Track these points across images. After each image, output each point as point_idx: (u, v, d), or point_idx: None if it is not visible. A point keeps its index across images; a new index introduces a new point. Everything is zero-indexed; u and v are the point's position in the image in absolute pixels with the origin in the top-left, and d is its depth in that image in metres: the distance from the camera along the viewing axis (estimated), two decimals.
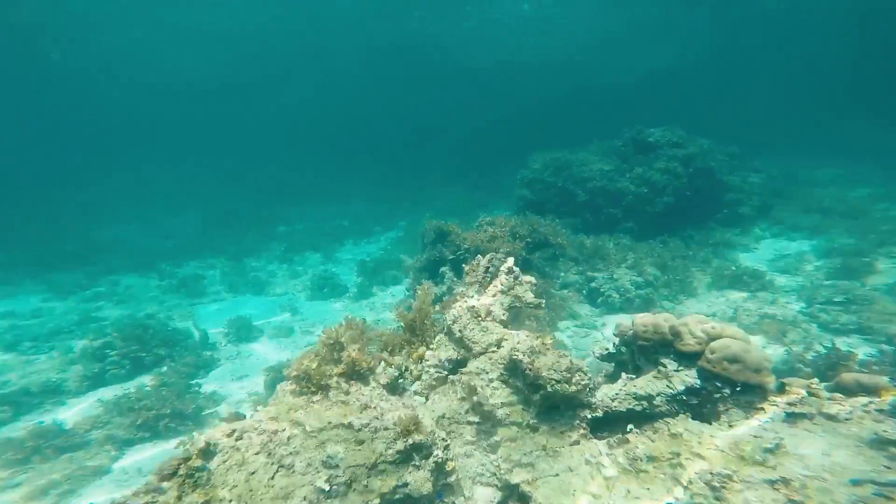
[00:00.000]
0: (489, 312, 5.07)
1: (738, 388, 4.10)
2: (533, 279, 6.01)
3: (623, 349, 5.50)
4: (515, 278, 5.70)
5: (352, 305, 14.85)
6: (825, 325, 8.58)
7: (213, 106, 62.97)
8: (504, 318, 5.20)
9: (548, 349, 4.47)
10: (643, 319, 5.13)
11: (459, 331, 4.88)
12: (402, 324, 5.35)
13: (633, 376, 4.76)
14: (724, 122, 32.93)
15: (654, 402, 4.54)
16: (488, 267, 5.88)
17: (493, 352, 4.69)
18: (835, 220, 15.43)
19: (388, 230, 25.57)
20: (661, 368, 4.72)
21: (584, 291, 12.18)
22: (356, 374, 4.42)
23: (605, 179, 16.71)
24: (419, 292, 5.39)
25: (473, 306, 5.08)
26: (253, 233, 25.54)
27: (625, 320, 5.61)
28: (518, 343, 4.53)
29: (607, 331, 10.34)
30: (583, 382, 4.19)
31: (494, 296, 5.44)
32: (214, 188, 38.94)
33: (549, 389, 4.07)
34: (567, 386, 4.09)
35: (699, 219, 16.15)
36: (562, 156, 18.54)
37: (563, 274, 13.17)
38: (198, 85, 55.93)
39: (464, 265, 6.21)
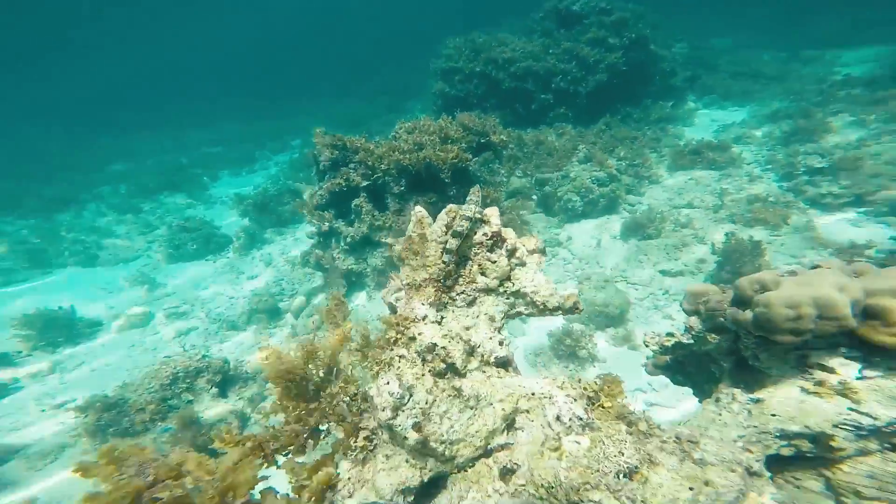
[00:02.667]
0: (472, 351, 2.03)
1: None
2: (537, 240, 2.96)
3: (711, 336, 2.90)
4: (511, 252, 2.61)
5: (238, 262, 10.56)
6: (815, 201, 7.17)
7: None
8: (503, 354, 2.24)
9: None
10: (770, 284, 2.48)
11: (416, 423, 1.70)
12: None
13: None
14: None
15: (833, 446, 2.12)
16: (448, 237, 2.68)
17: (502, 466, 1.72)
18: (762, 84, 14.32)
19: (277, 153, 19.60)
20: (822, 375, 2.25)
21: (534, 197, 9.57)
22: None
23: (530, 59, 13.12)
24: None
25: (434, 344, 1.96)
26: (66, 176, 17.59)
27: (701, 286, 2.92)
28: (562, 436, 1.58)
29: (575, 245, 8.06)
30: None
31: (475, 304, 2.36)
32: None
33: None
34: None
35: (634, 95, 13.91)
36: (476, 37, 14.27)
37: (505, 179, 10.27)
38: None
39: (386, 221, 2.86)
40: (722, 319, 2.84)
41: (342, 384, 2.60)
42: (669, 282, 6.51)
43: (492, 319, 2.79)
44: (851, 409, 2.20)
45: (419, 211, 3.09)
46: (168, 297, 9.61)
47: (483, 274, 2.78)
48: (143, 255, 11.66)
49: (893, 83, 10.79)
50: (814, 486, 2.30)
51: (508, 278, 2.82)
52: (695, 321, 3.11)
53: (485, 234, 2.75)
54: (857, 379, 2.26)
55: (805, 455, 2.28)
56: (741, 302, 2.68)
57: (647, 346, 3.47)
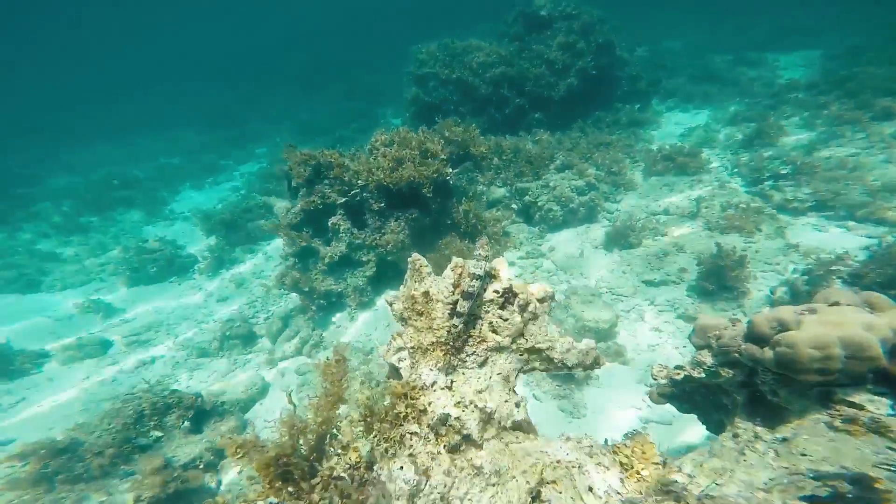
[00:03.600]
0: (488, 419, 2.32)
1: None
2: (545, 288, 2.75)
3: (725, 371, 2.81)
4: (523, 307, 2.46)
5: (207, 283, 9.79)
6: (782, 207, 7.46)
7: None
8: (520, 417, 2.40)
9: None
10: (792, 324, 2.40)
11: None
12: None
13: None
14: None
15: (873, 488, 2.02)
16: (458, 297, 2.52)
17: None
18: (718, 87, 14.91)
19: (242, 162, 18.47)
20: (849, 411, 2.17)
21: (515, 206, 9.45)
22: None
23: (504, 64, 12.99)
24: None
25: (447, 415, 1.91)
26: None
27: (711, 319, 2.82)
28: None
29: (558, 256, 7.99)
30: None
31: (487, 364, 2.42)
32: None
33: None
34: None
35: (604, 99, 14.13)
36: (450, 42, 13.98)
37: (485, 188, 10.10)
38: None
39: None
40: (737, 355, 2.76)
41: (341, 451, 2.30)
42: (653, 292, 6.55)
43: (506, 380, 2.55)
44: (890, 448, 2.15)
45: (417, 259, 2.80)
46: (127, 323, 8.76)
47: (495, 332, 2.53)
48: (95, 279, 10.60)
49: (829, 88, 11.48)
50: None
51: (521, 334, 2.61)
52: (706, 355, 3.03)
53: (496, 292, 2.50)
54: (890, 416, 2.22)
55: (846, 497, 2.21)
56: (757, 339, 2.58)
57: (654, 379, 3.37)
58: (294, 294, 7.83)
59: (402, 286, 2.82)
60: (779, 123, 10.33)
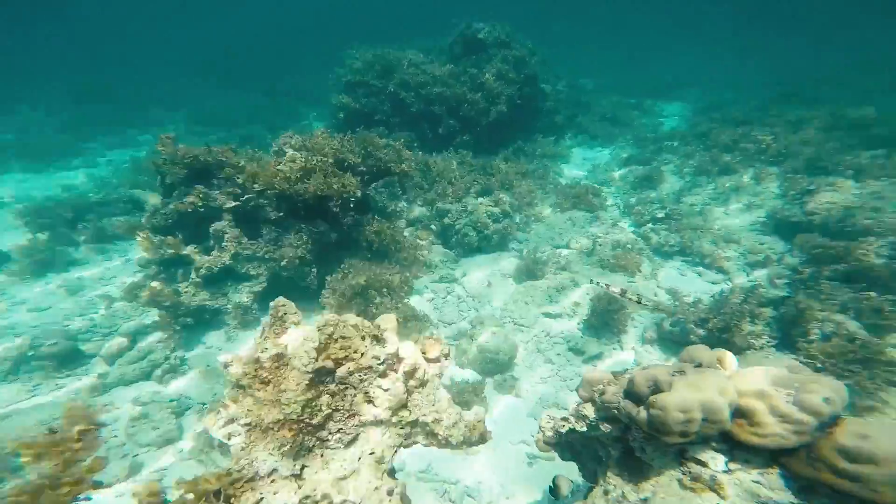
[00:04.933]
0: None
1: None
2: (440, 345, 2.48)
3: (604, 425, 2.82)
4: (409, 374, 2.17)
5: (21, 288, 7.65)
6: (658, 249, 8.44)
7: None
8: None
9: None
10: (654, 383, 2.46)
11: None
12: None
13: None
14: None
15: None
16: (322, 362, 2.01)
17: None
18: (619, 128, 16.68)
19: (114, 147, 15.36)
20: (696, 469, 2.28)
21: (434, 227, 9.27)
22: None
23: (441, 85, 12.94)
24: None
25: None
26: None
27: (597, 373, 2.85)
28: None
29: (469, 283, 7.98)
30: None
31: (357, 442, 1.97)
32: None
33: None
34: None
35: (526, 129, 14.89)
36: (387, 53, 13.47)
37: (406, 205, 9.76)
38: None
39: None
40: (615, 412, 2.82)
41: None
42: (550, 323, 6.84)
43: (380, 461, 2.16)
44: None
45: (281, 306, 2.30)
46: None
47: (371, 404, 2.15)
48: None
49: (694, 140, 13.14)
50: None
51: (405, 405, 2.27)
52: (590, 409, 3.06)
53: (375, 358, 2.13)
54: (724, 472, 2.40)
55: None
56: (634, 396, 2.65)
57: (541, 430, 3.34)
58: (154, 310, 6.51)
59: (258, 336, 2.29)
60: (660, 169, 11.81)
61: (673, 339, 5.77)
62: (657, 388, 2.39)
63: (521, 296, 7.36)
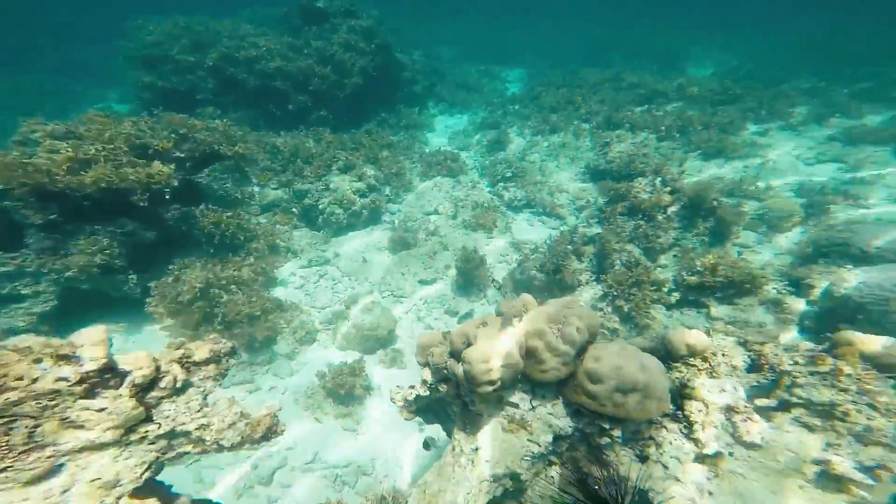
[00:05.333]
0: None
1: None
2: (213, 344, 2.17)
3: (441, 386, 3.02)
4: (145, 385, 1.90)
5: None
6: (510, 204, 9.37)
7: None
8: None
9: None
10: (460, 339, 2.71)
11: None
12: None
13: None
14: None
15: (521, 478, 2.54)
16: None
17: None
18: (473, 95, 17.40)
19: None
20: (511, 411, 2.66)
21: (294, 210, 8.41)
22: None
23: (281, 59, 11.20)
24: None
25: None
26: None
27: (428, 337, 3.01)
28: None
29: (343, 262, 7.62)
30: None
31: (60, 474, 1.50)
32: None
33: None
34: None
35: (388, 100, 14.31)
36: (196, 24, 10.92)
37: (258, 189, 8.56)
38: None
39: None
40: (445, 371, 3.03)
41: None
42: (427, 290, 7.10)
43: (110, 486, 1.83)
44: (529, 440, 2.73)
45: None
46: None
47: (81, 428, 1.81)
48: None
49: (529, 103, 14.19)
50: None
51: (150, 419, 1.98)
52: (427, 373, 3.23)
53: (63, 380, 1.73)
54: (530, 410, 2.81)
55: (508, 490, 2.71)
56: (456, 354, 2.87)
57: (393, 402, 3.43)
58: None
59: None
60: (506, 131, 12.87)
61: (522, 286, 6.58)
62: (469, 344, 2.60)
63: (398, 267, 7.40)
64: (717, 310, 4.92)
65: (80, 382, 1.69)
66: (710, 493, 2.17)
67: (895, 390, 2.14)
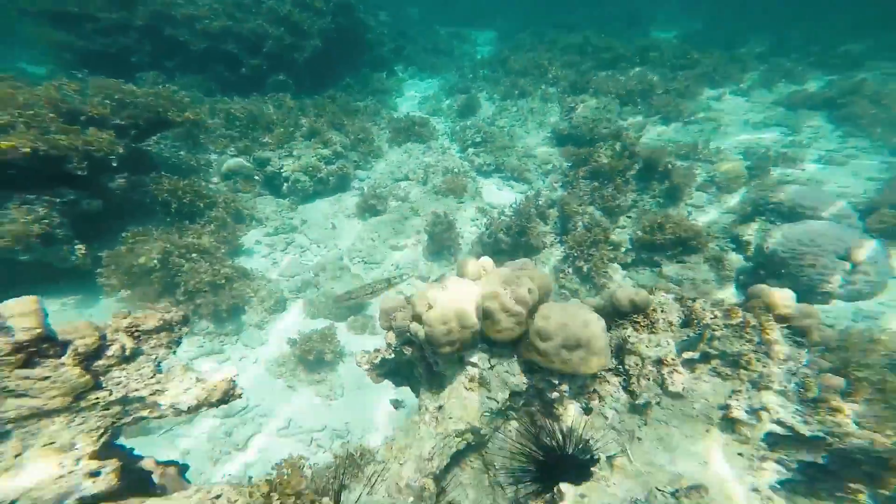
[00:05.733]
0: None
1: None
2: (163, 313, 2.01)
3: (406, 349, 2.99)
4: (89, 354, 1.70)
5: None
6: (479, 169, 9.17)
7: None
8: None
9: None
10: (421, 304, 2.66)
11: None
12: None
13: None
14: None
15: (481, 433, 2.62)
16: None
17: None
18: (443, 59, 16.46)
19: None
20: (472, 371, 2.69)
21: (257, 178, 7.85)
22: None
23: (226, 18, 9.89)
24: None
25: None
26: None
27: (390, 301, 2.94)
28: None
29: (311, 229, 7.28)
30: None
31: None
32: None
33: None
34: None
35: (352, 64, 13.25)
36: None
37: (215, 157, 7.88)
38: None
39: None
40: (408, 334, 3.01)
41: None
42: (398, 256, 6.98)
43: (63, 449, 1.75)
44: (489, 398, 2.80)
45: None
46: None
47: (24, 396, 1.69)
48: None
49: (500, 67, 13.65)
50: (477, 465, 2.87)
51: (100, 387, 1.86)
52: (391, 336, 3.20)
53: None
54: (489, 369, 2.86)
55: (470, 444, 2.81)
56: (417, 318, 2.85)
57: (359, 365, 3.41)
58: None
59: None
60: (476, 96, 12.37)
61: (490, 250, 6.57)
62: (431, 306, 2.55)
63: (368, 233, 7.20)
64: (669, 268, 5.15)
65: (14, 352, 1.55)
66: (639, 440, 2.30)
67: (788, 339, 2.30)
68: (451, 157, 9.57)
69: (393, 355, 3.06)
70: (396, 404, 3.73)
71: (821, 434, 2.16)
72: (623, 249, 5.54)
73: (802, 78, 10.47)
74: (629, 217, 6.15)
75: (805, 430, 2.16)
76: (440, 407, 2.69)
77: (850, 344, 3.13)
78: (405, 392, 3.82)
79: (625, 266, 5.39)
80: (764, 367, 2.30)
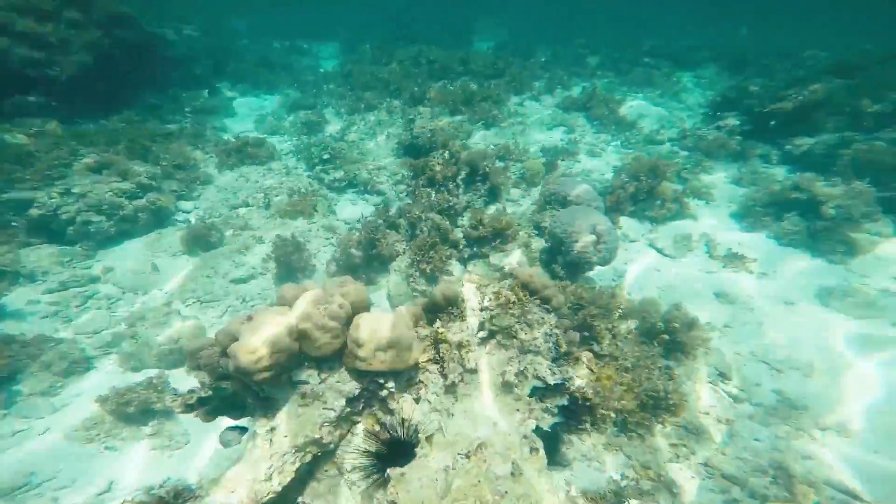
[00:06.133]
0: None
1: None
2: None
3: (224, 383, 2.80)
4: None
5: None
6: (331, 186, 8.92)
7: None
8: None
9: None
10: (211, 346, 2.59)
11: None
12: None
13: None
14: None
15: (324, 442, 2.69)
16: None
17: None
18: (279, 74, 15.35)
19: None
20: (303, 388, 2.73)
21: (16, 225, 5.85)
22: None
23: None
24: None
25: None
26: None
27: (193, 344, 2.74)
28: None
29: (120, 276, 5.82)
30: None
31: None
32: None
33: None
34: None
35: (156, 83, 11.10)
36: None
37: None
38: None
39: None
40: (221, 370, 2.81)
41: None
42: (244, 289, 6.26)
43: None
44: (325, 408, 2.83)
45: None
46: None
47: None
48: None
49: (345, 81, 13.66)
50: (332, 472, 2.88)
51: None
52: (203, 375, 2.94)
53: None
54: (320, 383, 2.90)
55: (317, 455, 2.77)
56: (225, 353, 2.67)
57: (173, 409, 3.01)
58: None
59: None
60: (322, 112, 12.04)
61: (344, 267, 6.50)
62: (236, 339, 2.45)
63: (202, 270, 6.25)
64: (494, 257, 6.05)
65: None
66: (452, 415, 2.71)
67: (541, 308, 3.06)
68: (299, 176, 9.08)
69: (211, 392, 2.79)
70: (227, 441, 3.34)
71: (561, 381, 2.93)
72: (461, 246, 6.26)
73: (569, 85, 13.62)
74: (466, 217, 6.99)
75: (551, 380, 2.90)
76: (272, 428, 2.60)
77: (599, 301, 4.28)
78: (248, 422, 3.52)
79: (462, 261, 6.11)
80: (526, 334, 2.98)
